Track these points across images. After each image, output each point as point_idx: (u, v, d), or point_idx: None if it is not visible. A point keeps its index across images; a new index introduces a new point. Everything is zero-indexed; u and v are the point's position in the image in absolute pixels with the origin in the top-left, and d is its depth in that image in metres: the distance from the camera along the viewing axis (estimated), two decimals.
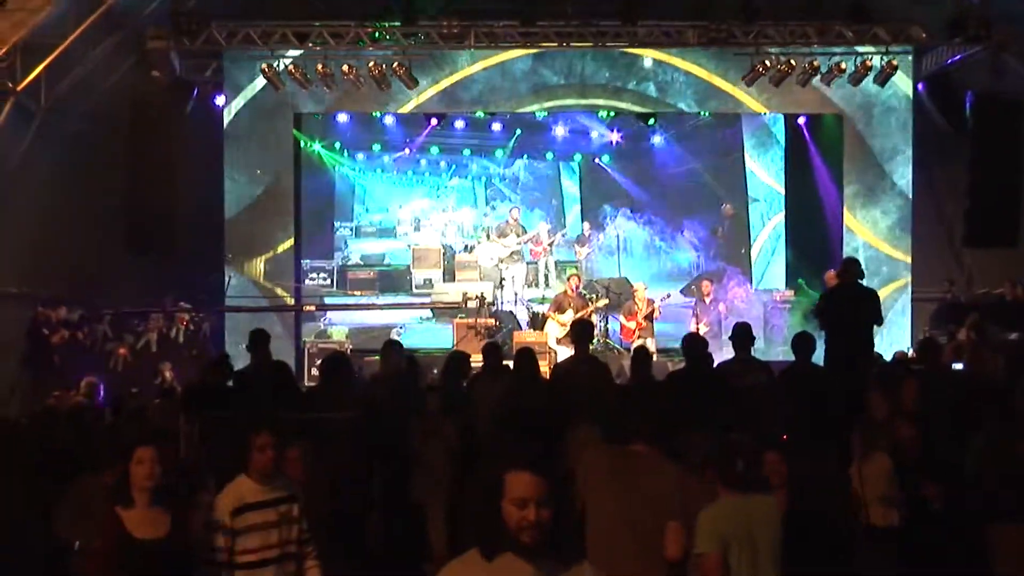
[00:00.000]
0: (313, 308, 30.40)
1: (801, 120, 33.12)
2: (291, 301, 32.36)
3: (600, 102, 32.50)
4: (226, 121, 31.61)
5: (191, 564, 9.85)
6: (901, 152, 31.71)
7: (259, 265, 31.96)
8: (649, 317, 30.48)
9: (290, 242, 32.30)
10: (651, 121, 34.04)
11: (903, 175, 31.69)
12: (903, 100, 31.67)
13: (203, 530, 9.92)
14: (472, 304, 30.62)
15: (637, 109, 32.88)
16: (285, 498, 9.98)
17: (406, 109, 32.12)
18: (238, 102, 31.62)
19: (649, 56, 31.97)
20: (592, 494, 10.29)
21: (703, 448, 11.30)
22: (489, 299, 31.59)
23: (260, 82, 31.18)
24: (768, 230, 36.00)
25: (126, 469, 9.94)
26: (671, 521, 9.97)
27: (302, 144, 32.36)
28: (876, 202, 31.90)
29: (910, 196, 31.63)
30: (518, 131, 37.04)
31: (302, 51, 30.66)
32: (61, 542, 11.82)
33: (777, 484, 11.35)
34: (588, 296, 31.17)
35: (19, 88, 28.08)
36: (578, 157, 38.04)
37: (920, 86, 31.28)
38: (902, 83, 31.36)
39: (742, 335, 19.28)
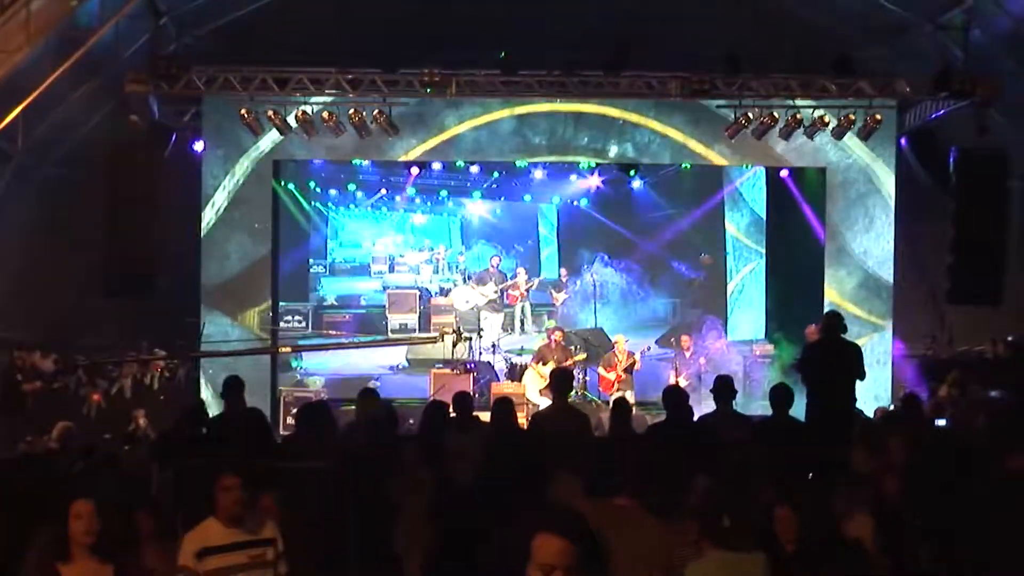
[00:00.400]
0: (289, 349, 30.11)
1: (784, 173, 32.76)
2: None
3: (581, 158, 32.35)
4: (202, 165, 31.43)
5: None
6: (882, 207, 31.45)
7: (254, 316, 31.71)
8: (629, 370, 30.48)
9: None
10: (632, 172, 33.55)
11: (884, 230, 31.49)
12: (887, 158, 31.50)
13: None
14: (449, 338, 30.33)
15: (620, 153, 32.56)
16: (257, 541, 9.83)
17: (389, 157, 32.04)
18: (215, 148, 31.44)
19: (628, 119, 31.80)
20: None
21: (688, 502, 11.07)
22: (465, 335, 31.17)
23: (239, 127, 30.86)
24: (737, 280, 35.66)
25: (65, 523, 9.67)
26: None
27: (277, 185, 32.17)
28: (848, 262, 31.82)
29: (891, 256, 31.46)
30: (495, 173, 36.73)
31: (282, 96, 30.28)
32: None
33: (788, 540, 10.91)
34: (568, 348, 30.76)
35: None
36: (556, 199, 37.67)
37: (903, 140, 31.18)
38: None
39: (724, 388, 19.15)
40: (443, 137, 31.98)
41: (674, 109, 31.73)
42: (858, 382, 21.34)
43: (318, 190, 36.92)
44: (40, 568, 9.75)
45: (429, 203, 40.59)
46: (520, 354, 31.52)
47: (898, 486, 14.56)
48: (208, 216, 31.59)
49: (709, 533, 10.21)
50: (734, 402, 19.13)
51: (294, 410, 26.44)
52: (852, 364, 21.14)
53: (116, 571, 9.60)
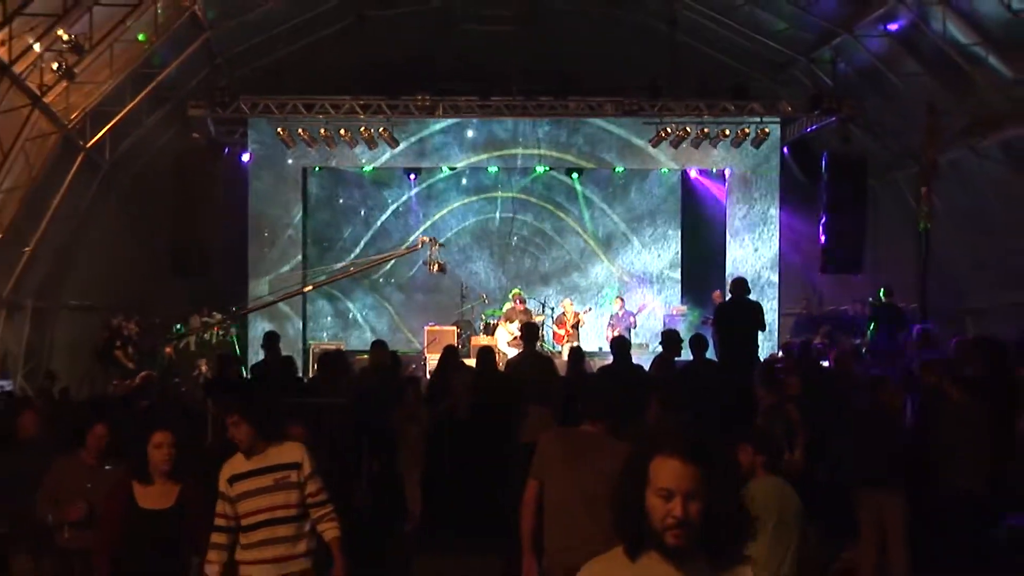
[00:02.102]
0: (310, 288, 29.67)
1: (694, 173, 32.24)
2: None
3: (540, 152, 31.70)
4: (249, 173, 31.02)
5: (196, 529, 8.80)
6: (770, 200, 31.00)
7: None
8: (575, 326, 30.02)
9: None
10: (574, 176, 32.61)
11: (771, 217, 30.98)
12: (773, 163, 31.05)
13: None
14: (427, 245, 29.97)
15: (568, 158, 32.16)
16: (280, 465, 8.74)
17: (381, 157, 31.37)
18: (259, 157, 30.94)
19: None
20: (549, 470, 9.23)
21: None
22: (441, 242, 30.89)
23: (276, 142, 30.68)
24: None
25: (145, 449, 8.91)
26: None
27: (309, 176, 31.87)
28: (742, 243, 31.29)
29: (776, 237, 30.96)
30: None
31: (309, 118, 29.89)
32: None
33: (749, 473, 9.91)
34: (529, 310, 30.06)
35: (88, 146, 27.36)
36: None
37: (785, 148, 30.90)
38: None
39: (672, 339, 19.00)
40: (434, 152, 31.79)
41: (608, 129, 31.45)
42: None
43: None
44: (121, 487, 9.07)
45: None
46: (493, 316, 30.55)
47: (797, 413, 14.19)
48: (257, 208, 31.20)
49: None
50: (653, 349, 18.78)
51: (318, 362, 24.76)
52: (756, 318, 20.62)
53: (181, 491, 8.90)
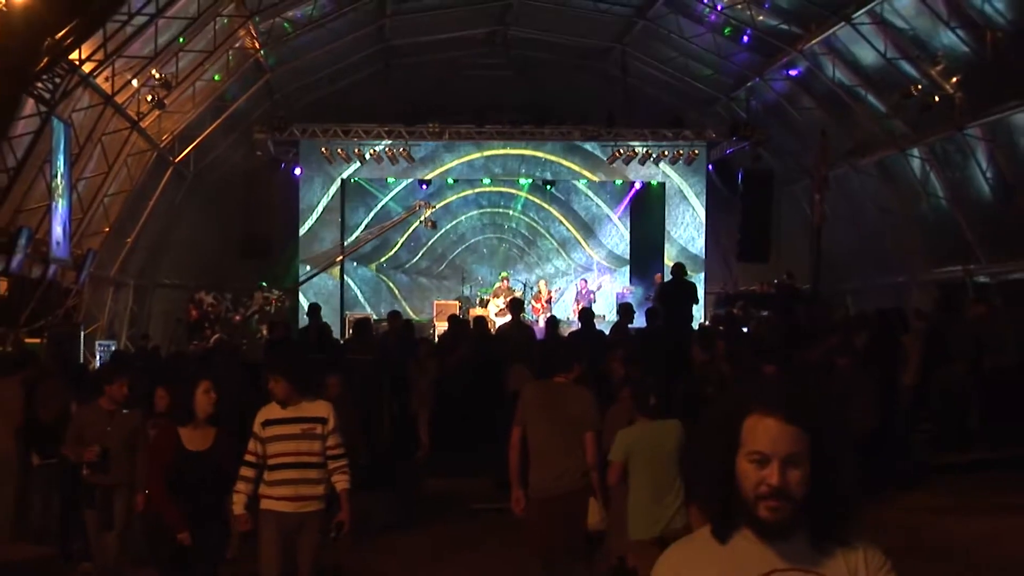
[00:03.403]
0: (340, 257, 30.20)
1: (638, 185, 31.39)
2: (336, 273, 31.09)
3: (523, 167, 31.12)
4: (300, 182, 30.37)
5: (229, 469, 8.05)
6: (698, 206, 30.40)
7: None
8: (548, 301, 29.58)
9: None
10: (548, 187, 31.87)
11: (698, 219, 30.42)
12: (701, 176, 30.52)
13: None
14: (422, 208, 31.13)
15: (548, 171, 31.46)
16: (309, 418, 8.02)
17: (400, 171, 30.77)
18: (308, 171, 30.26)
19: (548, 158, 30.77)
20: (529, 416, 8.72)
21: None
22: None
23: (322, 159, 30.05)
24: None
25: (191, 396, 8.13)
26: (587, 432, 8.57)
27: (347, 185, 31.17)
28: (677, 237, 30.67)
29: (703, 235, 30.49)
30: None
31: (346, 141, 29.51)
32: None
33: None
34: (512, 289, 29.39)
35: (176, 161, 27.22)
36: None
37: (710, 166, 30.25)
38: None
39: (626, 310, 18.99)
40: (442, 168, 30.86)
41: (575, 150, 30.34)
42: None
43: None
44: (166, 428, 8.34)
45: None
46: (486, 293, 29.94)
47: (729, 370, 13.21)
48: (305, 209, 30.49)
49: (640, 407, 8.75)
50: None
51: (351, 326, 24.91)
52: (693, 295, 20.14)
53: (217, 434, 8.13)
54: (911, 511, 12.96)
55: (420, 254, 32.56)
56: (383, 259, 32.05)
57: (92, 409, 10.10)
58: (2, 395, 12.66)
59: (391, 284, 32.26)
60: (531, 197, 32.17)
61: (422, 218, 31.11)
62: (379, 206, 31.75)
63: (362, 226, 31.55)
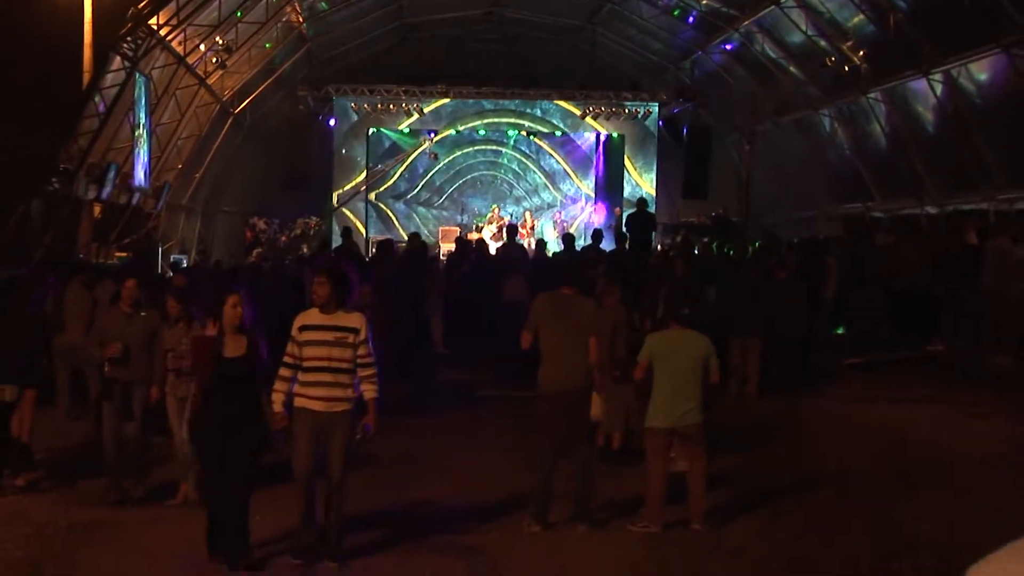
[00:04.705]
0: (364, 185, 29.26)
1: (603, 136, 30.16)
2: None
3: (512, 120, 29.75)
4: (333, 131, 29.07)
5: (261, 372, 7.16)
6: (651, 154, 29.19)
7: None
8: (531, 228, 28.63)
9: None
10: (532, 136, 30.72)
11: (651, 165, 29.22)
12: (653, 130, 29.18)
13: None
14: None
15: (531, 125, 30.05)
16: (344, 327, 7.06)
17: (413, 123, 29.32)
18: (340, 122, 28.92)
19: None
20: (542, 323, 7.94)
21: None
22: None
23: (352, 112, 28.76)
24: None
25: (221, 308, 7.19)
26: (591, 336, 7.83)
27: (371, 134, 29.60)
28: (633, 179, 29.39)
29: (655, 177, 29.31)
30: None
31: (371, 98, 28.36)
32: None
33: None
34: (502, 217, 28.75)
35: (236, 112, 26.43)
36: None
37: (661, 122, 28.97)
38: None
39: (598, 236, 17.83)
40: (447, 121, 29.50)
41: (551, 108, 29.33)
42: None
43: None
44: (209, 340, 7.30)
45: None
46: (481, 220, 29.22)
47: (683, 285, 12.25)
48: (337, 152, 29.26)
49: (674, 317, 8.09)
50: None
51: (374, 246, 24.41)
52: (652, 223, 19.82)
53: (249, 341, 7.14)
54: (837, 401, 12.60)
55: (420, 185, 31.37)
56: (382, 188, 30.67)
57: (113, 311, 9.17)
58: (74, 298, 11.96)
59: (389, 212, 30.95)
60: (518, 145, 31.10)
61: (426, 147, 30.26)
62: (388, 145, 30.48)
63: (378, 165, 30.30)
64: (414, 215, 31.21)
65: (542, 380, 7.89)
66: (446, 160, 30.94)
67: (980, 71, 17.68)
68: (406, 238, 21.48)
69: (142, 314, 8.98)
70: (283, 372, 7.04)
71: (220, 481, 7.09)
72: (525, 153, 31.22)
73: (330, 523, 7.08)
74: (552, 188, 31.32)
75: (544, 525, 7.85)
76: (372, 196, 29.91)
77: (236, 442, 6.99)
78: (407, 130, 29.65)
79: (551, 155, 31.16)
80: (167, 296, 9.12)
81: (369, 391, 7.05)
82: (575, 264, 10.17)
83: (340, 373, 6.97)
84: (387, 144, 30.22)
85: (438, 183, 31.44)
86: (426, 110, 28.72)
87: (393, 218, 30.76)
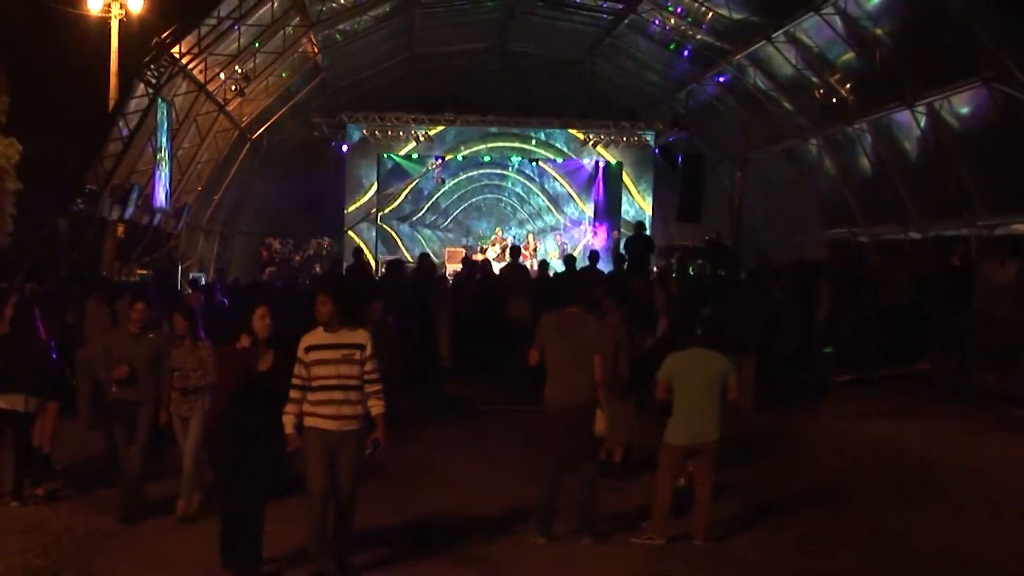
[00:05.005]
0: (376, 211, 28.76)
1: (602, 163, 29.56)
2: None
3: (516, 136, 29.13)
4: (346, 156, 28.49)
5: (285, 387, 6.82)
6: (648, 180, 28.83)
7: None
8: (534, 250, 28.13)
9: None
10: (532, 163, 30.28)
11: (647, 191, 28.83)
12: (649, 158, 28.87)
13: None
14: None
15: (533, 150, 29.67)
16: (350, 344, 6.76)
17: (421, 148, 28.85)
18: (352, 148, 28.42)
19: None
20: (548, 341, 7.71)
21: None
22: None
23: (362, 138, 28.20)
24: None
25: (251, 321, 6.93)
26: (596, 355, 7.56)
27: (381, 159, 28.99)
28: (632, 203, 28.91)
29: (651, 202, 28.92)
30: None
31: (381, 124, 27.88)
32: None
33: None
34: (505, 239, 28.32)
35: (253, 137, 26.33)
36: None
37: (656, 150, 28.51)
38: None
39: (595, 257, 17.55)
40: (454, 147, 28.95)
41: (552, 136, 28.93)
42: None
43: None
44: (240, 353, 6.93)
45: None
46: (485, 242, 28.86)
47: (679, 301, 12.42)
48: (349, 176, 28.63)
49: (694, 339, 7.81)
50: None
51: (384, 265, 23.61)
52: (650, 245, 19.74)
53: (275, 355, 6.91)
54: (830, 416, 12.35)
55: (425, 208, 30.59)
56: (387, 210, 29.86)
57: (120, 332, 8.79)
58: (93, 313, 11.51)
59: (394, 233, 30.20)
60: (521, 170, 30.63)
61: (434, 170, 29.60)
62: (405, 177, 30.01)
63: (388, 189, 29.63)
64: (419, 236, 30.70)
65: (548, 396, 7.64)
66: (451, 184, 30.42)
67: (961, 104, 17.53)
68: (409, 259, 21.23)
69: (150, 336, 8.61)
70: (293, 394, 6.75)
71: (237, 493, 6.81)
72: (528, 177, 30.75)
73: (340, 539, 6.81)
74: (554, 211, 30.83)
75: (548, 538, 7.60)
76: (379, 219, 29.39)
77: (255, 455, 6.74)
78: (415, 155, 29.39)
79: (554, 179, 30.73)
80: (174, 314, 8.75)
81: (376, 407, 6.76)
82: (580, 284, 9.84)
83: (349, 390, 6.69)
84: (396, 168, 29.91)
85: (443, 206, 30.80)
86: (433, 135, 28.40)
87: (398, 240, 30.13)
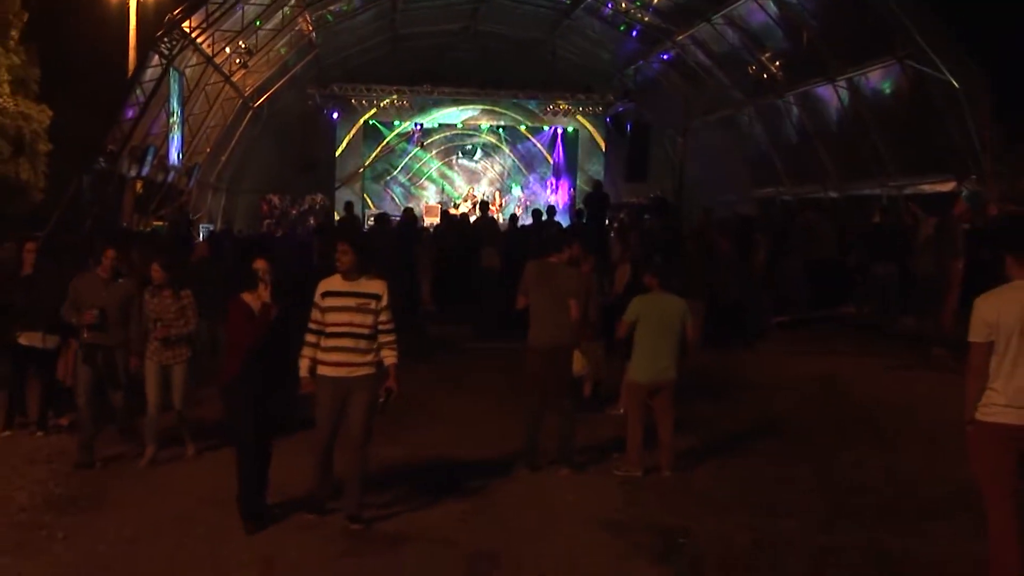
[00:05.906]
0: (362, 170, 28.03)
1: (560, 130, 29.13)
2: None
3: (485, 106, 28.71)
4: (336, 123, 27.85)
5: (289, 330, 6.28)
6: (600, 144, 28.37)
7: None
8: (500, 206, 27.72)
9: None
10: (501, 130, 29.58)
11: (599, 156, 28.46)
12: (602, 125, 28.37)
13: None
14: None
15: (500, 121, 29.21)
16: (366, 293, 6.01)
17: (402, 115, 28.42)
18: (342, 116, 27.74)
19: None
20: (531, 287, 7.19)
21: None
22: None
23: (351, 107, 27.58)
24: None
25: (252, 269, 6.13)
26: (571, 299, 7.06)
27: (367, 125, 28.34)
28: (587, 168, 28.75)
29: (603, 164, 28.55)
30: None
31: (367, 95, 27.25)
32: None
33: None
34: (475, 195, 27.69)
35: (255, 106, 25.07)
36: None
37: (608, 119, 28.17)
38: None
39: (552, 211, 18.41)
40: (431, 116, 28.43)
41: (517, 106, 28.41)
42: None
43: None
44: (240, 303, 6.09)
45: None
46: (458, 199, 28.29)
47: (641, 254, 11.57)
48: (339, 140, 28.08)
49: (660, 282, 7.24)
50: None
51: (371, 218, 23.02)
52: (606, 202, 18.89)
53: (280, 304, 6.11)
54: (769, 354, 11.89)
55: (399, 168, 29.53)
56: (370, 170, 28.94)
57: (88, 277, 7.67)
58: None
59: (378, 191, 29.32)
60: (489, 136, 29.81)
61: (413, 135, 28.61)
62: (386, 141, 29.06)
63: (374, 154, 28.87)
64: (404, 193, 29.96)
65: (531, 337, 7.13)
66: (428, 146, 29.48)
67: (878, 79, 17.52)
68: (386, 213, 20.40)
69: (119, 281, 7.64)
70: (309, 338, 6.04)
71: (255, 446, 6.11)
72: (496, 142, 29.99)
73: (352, 483, 6.09)
74: (521, 172, 30.10)
75: (533, 469, 7.16)
76: (364, 177, 28.63)
77: (267, 405, 6.10)
78: (397, 122, 28.57)
79: (518, 144, 29.94)
80: (152, 263, 7.73)
81: (390, 357, 6.06)
82: (561, 236, 9.25)
83: (360, 339, 5.97)
84: (378, 133, 28.98)
85: (417, 167, 29.90)
86: (413, 104, 27.71)
87: (368, 198, 29.24)
